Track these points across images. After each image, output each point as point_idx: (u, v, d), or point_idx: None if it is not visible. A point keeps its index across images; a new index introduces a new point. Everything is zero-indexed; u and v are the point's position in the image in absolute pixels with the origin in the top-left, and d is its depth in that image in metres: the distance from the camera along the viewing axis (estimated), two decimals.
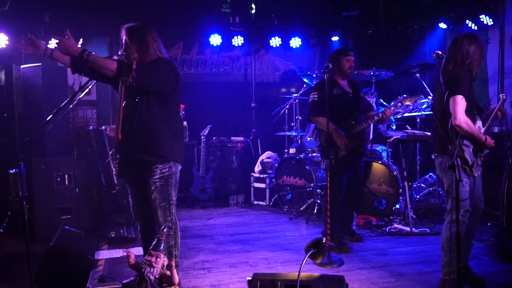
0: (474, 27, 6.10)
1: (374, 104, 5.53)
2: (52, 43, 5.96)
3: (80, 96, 4.28)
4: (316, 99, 4.42)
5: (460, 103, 3.12)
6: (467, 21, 6.14)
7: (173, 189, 3.18)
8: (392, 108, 4.17)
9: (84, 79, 2.97)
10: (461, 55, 3.26)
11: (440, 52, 2.88)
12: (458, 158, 2.86)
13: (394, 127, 5.92)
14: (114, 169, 5.73)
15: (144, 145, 3.08)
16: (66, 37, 2.79)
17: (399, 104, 4.08)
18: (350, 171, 4.47)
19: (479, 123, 3.32)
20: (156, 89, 3.07)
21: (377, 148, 5.57)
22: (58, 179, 4.83)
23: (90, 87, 4.68)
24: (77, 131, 5.85)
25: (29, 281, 2.94)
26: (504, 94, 3.52)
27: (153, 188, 3.11)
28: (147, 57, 3.07)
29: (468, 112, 3.18)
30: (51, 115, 2.81)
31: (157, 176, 3.10)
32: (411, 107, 5.27)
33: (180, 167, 3.26)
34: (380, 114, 4.37)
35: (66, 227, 4.07)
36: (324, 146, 4.35)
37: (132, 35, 3.06)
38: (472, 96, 3.23)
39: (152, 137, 3.08)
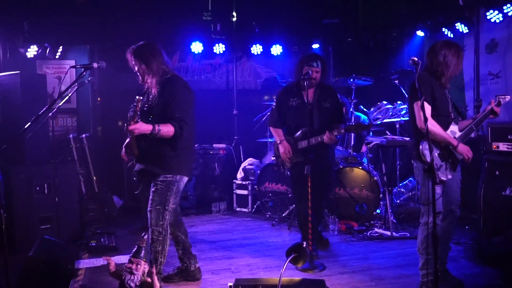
0: (450, 35, 6.25)
1: (351, 111, 5.60)
2: (32, 51, 5.90)
3: (60, 104, 4.25)
4: (273, 107, 4.51)
5: (422, 107, 3.18)
6: (443, 29, 6.29)
7: (173, 196, 3.31)
8: (335, 132, 4.05)
9: (63, 87, 3.00)
10: (435, 61, 3.29)
11: (416, 59, 2.92)
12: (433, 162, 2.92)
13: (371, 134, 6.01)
14: (94, 177, 5.71)
15: (153, 160, 3.32)
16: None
17: (342, 130, 4.10)
18: (312, 181, 4.06)
19: (453, 127, 3.35)
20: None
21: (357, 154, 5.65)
22: (38, 188, 4.76)
23: (70, 95, 4.65)
24: (57, 139, 5.80)
25: None
26: (507, 97, 3.36)
27: (153, 189, 3.29)
28: (155, 75, 3.34)
29: (435, 117, 3.23)
30: (29, 123, 2.81)
31: (160, 179, 3.28)
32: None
33: (186, 179, 3.42)
34: (320, 138, 4.07)
35: (45, 236, 4.01)
36: (276, 154, 4.46)
37: (138, 59, 3.31)
38: (439, 101, 3.25)
39: (161, 153, 3.30)
